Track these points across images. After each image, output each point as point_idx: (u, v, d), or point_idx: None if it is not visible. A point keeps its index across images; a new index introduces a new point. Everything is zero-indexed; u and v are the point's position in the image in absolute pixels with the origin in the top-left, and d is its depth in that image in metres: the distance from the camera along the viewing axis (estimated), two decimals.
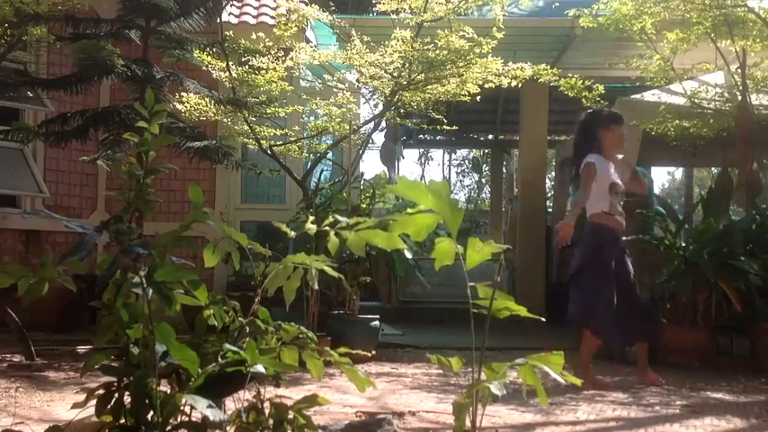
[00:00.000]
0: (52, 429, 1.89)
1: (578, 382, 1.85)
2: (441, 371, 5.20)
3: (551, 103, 9.97)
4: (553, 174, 13.06)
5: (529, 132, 10.08)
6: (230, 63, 6.79)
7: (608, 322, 4.94)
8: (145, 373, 1.82)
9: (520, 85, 7.13)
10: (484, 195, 28.36)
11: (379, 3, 6.69)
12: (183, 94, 6.70)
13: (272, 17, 8.43)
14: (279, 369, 1.99)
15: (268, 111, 6.94)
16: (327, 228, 2.12)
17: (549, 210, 11.30)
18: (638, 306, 5.10)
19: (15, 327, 5.30)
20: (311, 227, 2.36)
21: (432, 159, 30.59)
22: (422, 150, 27.11)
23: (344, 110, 7.20)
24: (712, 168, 17.13)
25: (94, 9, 7.33)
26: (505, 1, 7.01)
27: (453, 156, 29.42)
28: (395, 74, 6.69)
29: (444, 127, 7.72)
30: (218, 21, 6.99)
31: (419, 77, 6.69)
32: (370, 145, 9.38)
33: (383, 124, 10.07)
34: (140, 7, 6.30)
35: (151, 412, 1.82)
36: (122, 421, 1.86)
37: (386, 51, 6.54)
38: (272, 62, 6.81)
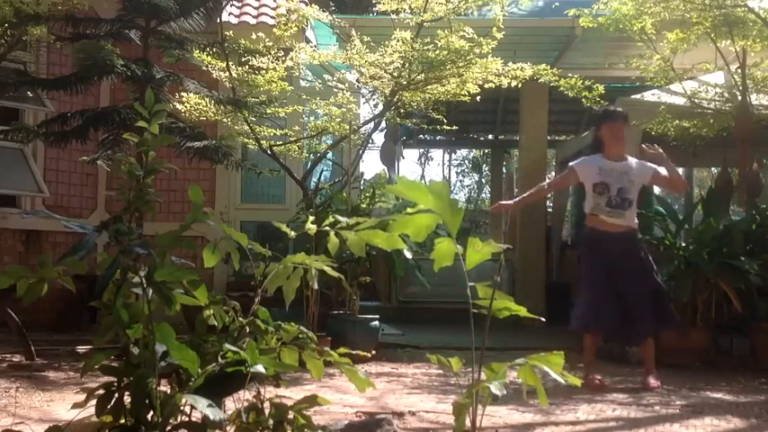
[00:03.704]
0: (52, 429, 1.89)
1: (578, 382, 1.85)
2: (441, 371, 5.20)
3: (551, 103, 9.96)
4: (553, 174, 13.07)
5: (529, 132, 10.08)
6: (230, 63, 6.79)
7: (597, 324, 4.93)
8: (145, 373, 1.82)
9: (520, 86, 7.13)
10: (484, 195, 28.37)
11: (379, 3, 6.69)
12: (183, 94, 6.70)
13: (272, 17, 8.43)
14: (279, 369, 1.99)
15: (268, 111, 6.94)
16: (327, 228, 2.12)
17: (549, 210, 11.30)
18: (639, 306, 4.93)
19: (15, 327, 5.31)
20: (311, 227, 2.36)
21: (432, 159, 30.60)
22: (422, 150, 27.10)
23: (344, 110, 7.20)
24: (712, 168, 17.13)
25: (94, 9, 7.32)
26: (505, 1, 7.00)
27: (453, 156, 29.43)
28: (395, 74, 6.69)
29: (444, 127, 7.72)
30: (218, 21, 6.98)
31: (419, 77, 6.69)
32: (370, 145, 9.38)
33: (383, 124, 10.06)
34: (140, 7, 6.30)
35: (151, 412, 1.82)
36: (122, 421, 1.86)
37: (386, 51, 6.54)
38: (272, 62, 6.81)
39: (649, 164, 5.06)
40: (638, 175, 5.01)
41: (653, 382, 4.82)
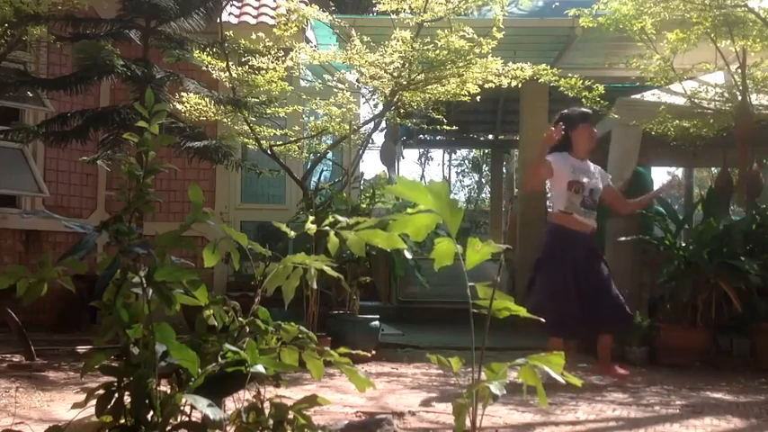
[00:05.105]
0: (52, 429, 1.89)
1: (579, 382, 1.85)
2: (441, 371, 5.20)
3: (551, 104, 9.96)
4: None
5: (529, 132, 10.07)
6: (230, 63, 6.79)
7: (560, 321, 4.75)
8: (145, 373, 1.81)
9: (520, 86, 7.12)
10: (484, 195, 28.38)
11: (379, 3, 6.68)
12: (183, 94, 6.70)
13: (272, 17, 8.43)
14: (279, 369, 1.99)
15: (268, 111, 6.94)
16: (327, 228, 2.12)
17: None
18: (604, 303, 4.98)
19: (15, 327, 5.30)
20: (311, 227, 2.36)
21: (432, 159, 30.65)
22: (422, 150, 27.14)
23: (344, 110, 7.20)
24: (712, 168, 17.12)
25: (94, 9, 7.32)
26: (505, 1, 7.00)
27: (453, 156, 29.46)
28: (395, 74, 6.69)
29: (444, 127, 7.72)
30: (218, 21, 6.98)
31: (419, 77, 6.69)
32: (370, 145, 9.38)
33: (383, 124, 10.06)
34: (140, 7, 6.30)
35: (151, 412, 1.82)
36: (122, 421, 1.86)
37: (386, 51, 6.54)
38: (272, 62, 6.81)
39: (605, 171, 5.33)
40: (600, 179, 5.21)
41: (621, 370, 5.05)
